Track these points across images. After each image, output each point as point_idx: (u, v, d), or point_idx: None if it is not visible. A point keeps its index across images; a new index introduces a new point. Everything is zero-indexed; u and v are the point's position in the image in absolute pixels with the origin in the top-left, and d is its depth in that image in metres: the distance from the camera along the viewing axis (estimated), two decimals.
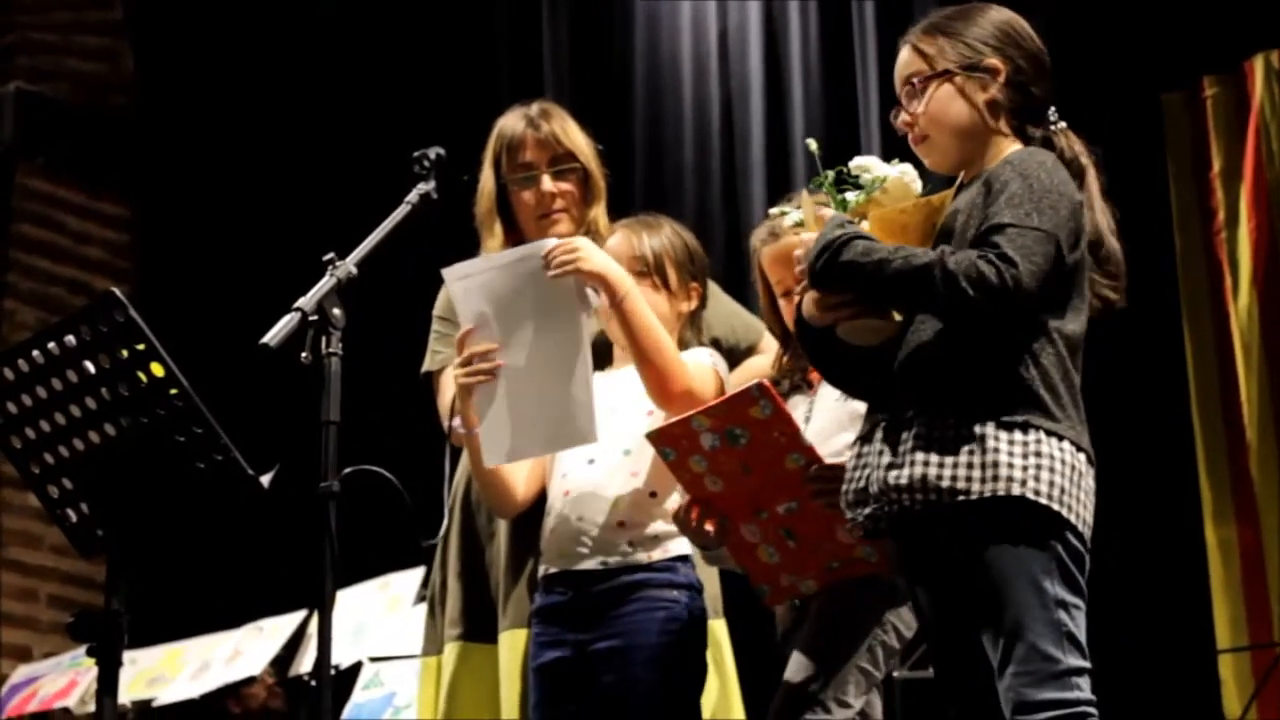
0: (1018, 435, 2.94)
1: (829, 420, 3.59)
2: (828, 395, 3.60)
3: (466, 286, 3.59)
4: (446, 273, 3.62)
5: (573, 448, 3.59)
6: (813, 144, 3.24)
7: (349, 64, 7.94)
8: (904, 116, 3.20)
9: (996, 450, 2.93)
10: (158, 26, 8.67)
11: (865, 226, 3.04)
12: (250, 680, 6.89)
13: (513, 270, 3.56)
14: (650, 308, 3.63)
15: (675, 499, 3.58)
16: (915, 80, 3.18)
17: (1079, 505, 2.97)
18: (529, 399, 3.53)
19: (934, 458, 2.95)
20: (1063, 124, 3.20)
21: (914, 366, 3.03)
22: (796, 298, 3.56)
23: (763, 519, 3.47)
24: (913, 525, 3.01)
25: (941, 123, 3.16)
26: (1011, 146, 3.16)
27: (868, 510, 3.04)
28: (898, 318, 3.06)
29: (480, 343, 3.55)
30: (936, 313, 2.99)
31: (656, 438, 3.44)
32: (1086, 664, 2.93)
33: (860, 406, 3.37)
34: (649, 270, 3.70)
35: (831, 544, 3.44)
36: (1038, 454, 2.93)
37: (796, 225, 3.30)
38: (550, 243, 3.57)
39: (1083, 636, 2.94)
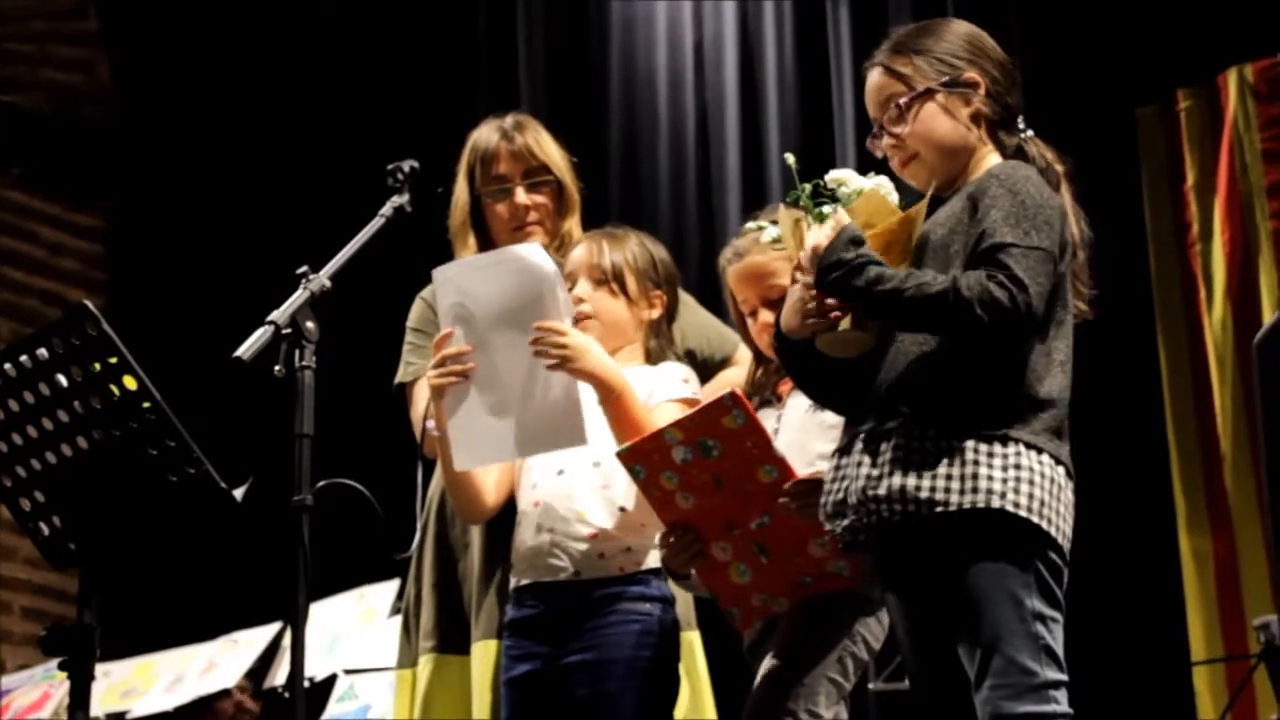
0: (997, 448, 2.94)
1: (798, 432, 3.59)
2: (795, 409, 3.61)
3: (447, 289, 3.58)
4: (437, 272, 3.61)
5: (560, 449, 3.57)
6: (790, 158, 3.23)
7: (325, 75, 7.93)
8: (887, 140, 3.19)
9: (976, 463, 2.92)
10: (134, 37, 8.66)
11: None
12: (224, 693, 6.88)
13: (492, 272, 3.54)
14: (609, 314, 3.69)
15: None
16: (900, 102, 3.17)
17: (1058, 518, 2.97)
18: (509, 401, 3.51)
19: (913, 468, 2.94)
20: (1029, 132, 3.20)
21: (896, 379, 3.03)
22: (768, 314, 3.57)
23: (735, 535, 3.46)
24: (891, 537, 3.00)
25: (930, 141, 3.15)
26: (990, 157, 3.16)
27: (846, 521, 3.04)
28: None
29: (455, 344, 3.54)
30: (948, 336, 2.98)
31: (627, 455, 3.42)
32: (1064, 677, 2.93)
33: (829, 417, 3.38)
34: (606, 278, 3.71)
35: (803, 559, 3.43)
36: (1017, 467, 2.93)
37: (774, 241, 3.30)
38: (533, 248, 3.56)
39: (1060, 649, 2.94)
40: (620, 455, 3.43)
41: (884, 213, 3.08)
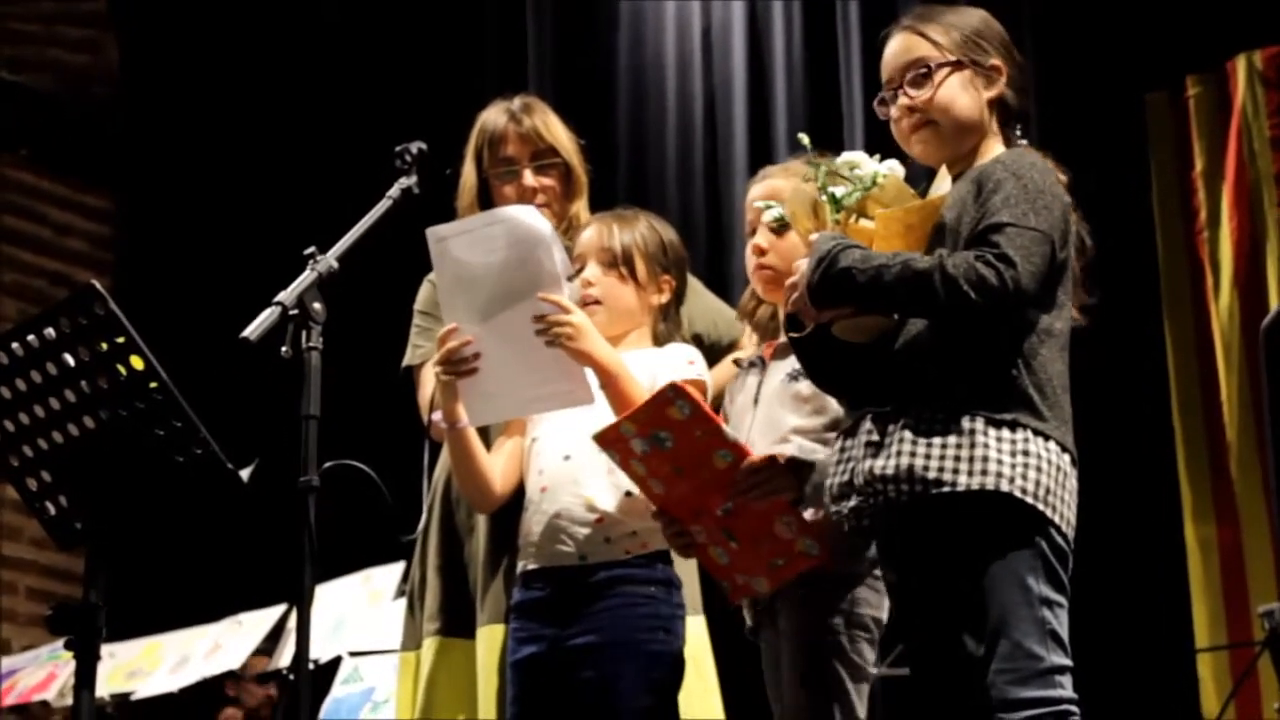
0: (1005, 433, 2.94)
1: (773, 405, 3.55)
2: (774, 378, 3.56)
3: (442, 259, 3.57)
4: (430, 232, 3.59)
5: (567, 408, 3.58)
6: (804, 138, 3.23)
7: (333, 57, 7.93)
8: (903, 100, 3.17)
9: (986, 445, 2.93)
10: (142, 18, 8.65)
11: (865, 224, 3.04)
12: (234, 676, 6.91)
13: (485, 233, 3.53)
14: (617, 300, 3.69)
15: None
16: (930, 64, 3.15)
17: (1063, 505, 2.97)
18: (515, 359, 3.52)
19: (920, 449, 2.95)
20: (1024, 142, 3.19)
21: (905, 360, 3.03)
22: (761, 239, 3.55)
23: (705, 520, 3.44)
24: (897, 517, 3.01)
25: (950, 111, 3.15)
26: (996, 147, 3.17)
27: (852, 503, 3.04)
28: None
29: (458, 308, 3.54)
30: (937, 317, 2.98)
31: (600, 439, 3.42)
32: (1069, 662, 2.94)
33: (804, 388, 3.39)
34: (616, 262, 3.70)
35: (771, 541, 3.37)
36: (1025, 453, 2.94)
37: (777, 220, 3.29)
38: (525, 208, 3.55)
39: (1066, 634, 2.95)
40: (595, 439, 3.42)
41: (905, 198, 3.08)
